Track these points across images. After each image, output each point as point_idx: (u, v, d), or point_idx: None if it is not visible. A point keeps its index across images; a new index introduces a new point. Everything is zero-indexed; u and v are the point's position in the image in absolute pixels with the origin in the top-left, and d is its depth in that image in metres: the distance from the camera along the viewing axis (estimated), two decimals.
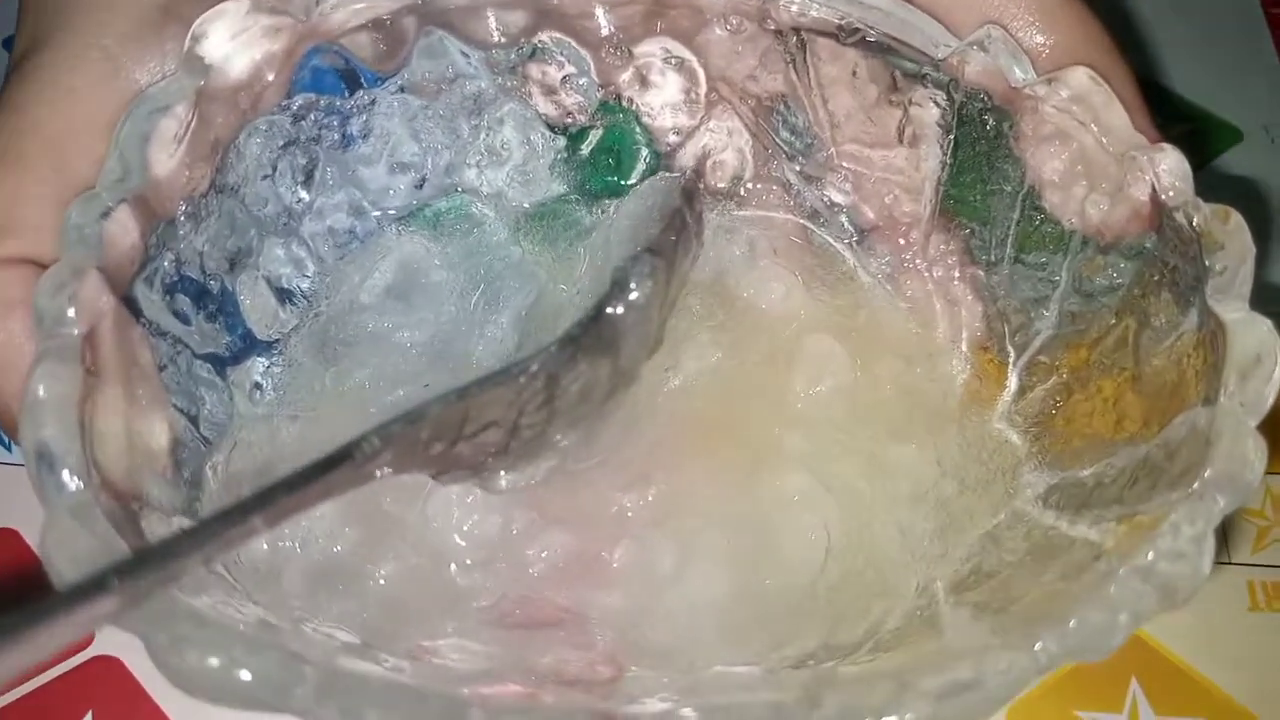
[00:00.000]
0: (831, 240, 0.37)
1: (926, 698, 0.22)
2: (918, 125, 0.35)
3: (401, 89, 0.36)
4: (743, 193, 0.38)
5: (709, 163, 0.38)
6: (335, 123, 0.35)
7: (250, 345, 0.33)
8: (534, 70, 0.36)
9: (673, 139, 0.38)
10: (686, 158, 0.38)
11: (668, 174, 0.38)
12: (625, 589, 0.31)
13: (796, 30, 0.34)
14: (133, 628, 0.22)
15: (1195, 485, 0.24)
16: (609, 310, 0.30)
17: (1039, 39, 0.32)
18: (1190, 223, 0.28)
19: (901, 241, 0.37)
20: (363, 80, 0.35)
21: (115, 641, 0.37)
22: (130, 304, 0.28)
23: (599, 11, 0.35)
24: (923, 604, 0.29)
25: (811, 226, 0.38)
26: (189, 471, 0.29)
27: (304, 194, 0.35)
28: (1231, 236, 0.28)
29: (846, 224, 0.37)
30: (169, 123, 0.29)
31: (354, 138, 0.36)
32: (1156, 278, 0.30)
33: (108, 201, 0.28)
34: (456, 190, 0.38)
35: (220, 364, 0.32)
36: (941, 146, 0.34)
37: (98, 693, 0.36)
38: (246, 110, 0.32)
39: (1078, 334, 0.33)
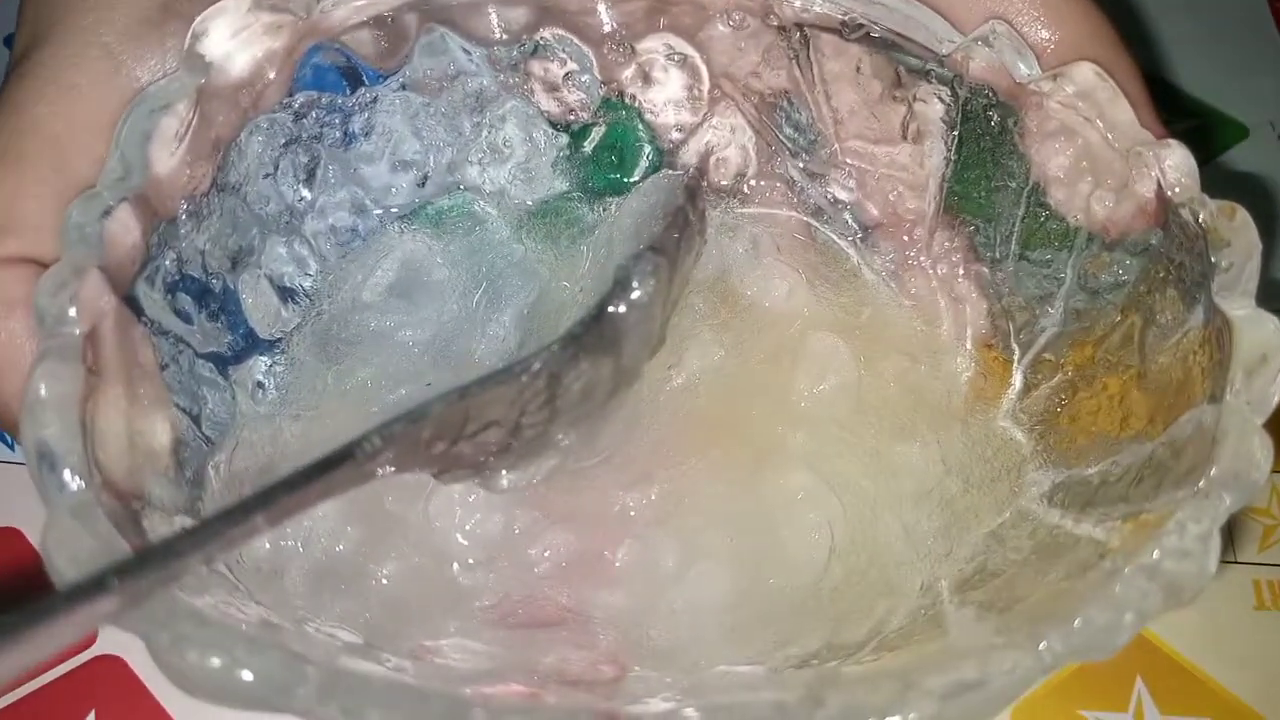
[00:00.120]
0: (835, 237, 0.37)
1: (931, 697, 0.22)
2: (922, 121, 0.34)
3: (403, 86, 0.35)
4: (746, 190, 0.38)
5: (712, 160, 0.38)
6: (337, 120, 0.35)
7: (252, 344, 0.33)
8: (536, 67, 0.36)
9: (675, 136, 0.38)
10: (689, 155, 0.38)
11: (671, 171, 0.38)
12: (628, 588, 0.30)
13: (800, 26, 0.34)
14: (134, 627, 0.22)
15: (1201, 483, 0.24)
16: (611, 309, 0.30)
17: (1044, 34, 0.32)
18: (1196, 219, 0.28)
19: (905, 239, 0.36)
20: (364, 78, 0.35)
21: (118, 641, 0.37)
22: (132, 303, 0.28)
23: (601, 8, 0.35)
24: (927, 603, 0.29)
25: (815, 224, 0.37)
26: (191, 471, 0.29)
27: (306, 192, 0.35)
28: (1237, 233, 0.28)
29: (850, 221, 0.37)
30: (170, 121, 0.29)
31: (356, 135, 0.36)
32: (1162, 274, 0.30)
33: (109, 200, 0.28)
34: (459, 188, 0.38)
35: (222, 363, 0.32)
36: (946, 143, 0.34)
37: (100, 692, 0.36)
38: (248, 108, 0.32)
39: (1083, 331, 0.33)
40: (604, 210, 0.37)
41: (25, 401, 0.24)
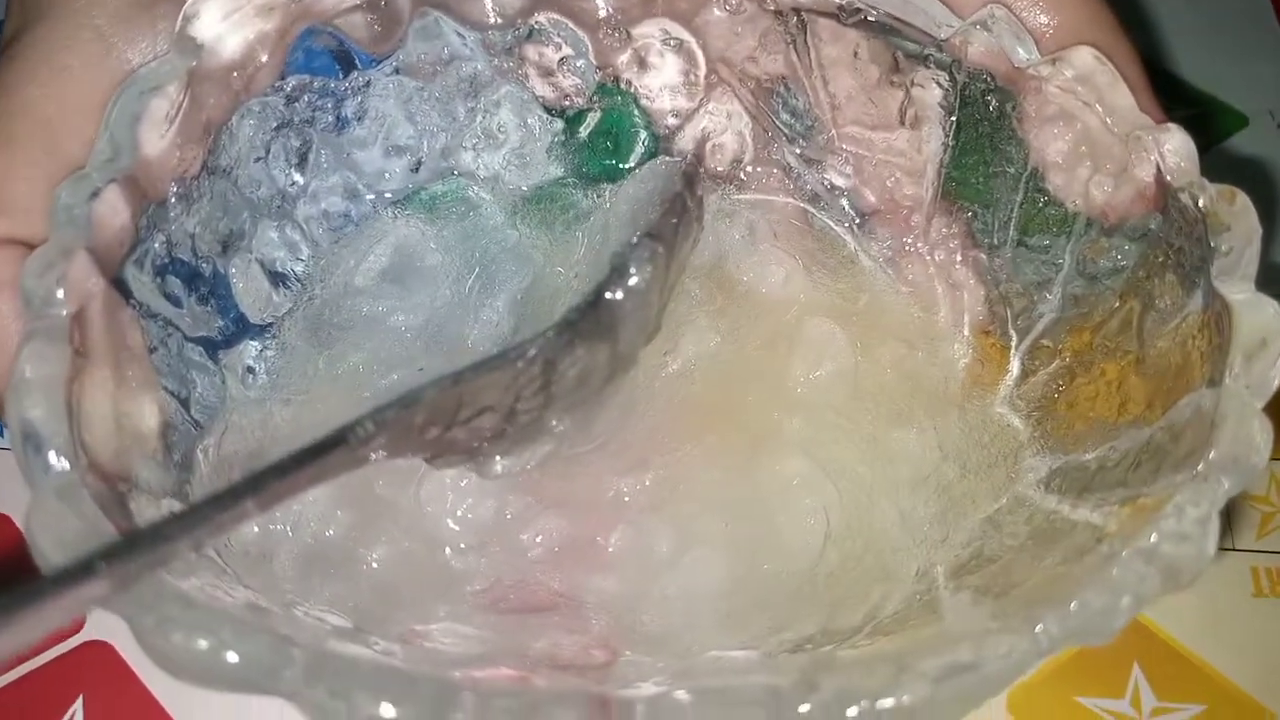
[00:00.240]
0: (832, 224, 0.37)
1: (924, 680, 0.21)
2: (920, 107, 0.34)
3: (396, 70, 0.35)
4: (743, 176, 0.38)
5: (708, 146, 0.38)
6: (329, 105, 0.35)
7: (243, 329, 0.33)
8: (531, 52, 0.36)
9: (671, 122, 0.38)
10: (685, 141, 0.38)
11: (668, 158, 0.37)
12: (621, 574, 0.30)
13: (797, 10, 0.34)
14: (119, 609, 0.22)
15: (1200, 467, 0.24)
16: (608, 295, 0.30)
17: (1042, 19, 0.32)
18: (1196, 203, 0.28)
19: (903, 225, 0.36)
20: (357, 62, 0.34)
21: (106, 626, 0.37)
22: (120, 286, 0.28)
23: None
24: (922, 589, 0.29)
25: (812, 210, 0.37)
26: (179, 454, 0.29)
27: (298, 176, 0.35)
28: (1238, 217, 0.27)
29: (847, 207, 0.37)
30: (160, 103, 0.29)
31: (348, 120, 0.35)
32: (1161, 259, 0.30)
33: (97, 182, 0.27)
34: (453, 173, 0.37)
35: (212, 347, 0.32)
36: (944, 128, 0.34)
37: (89, 677, 0.36)
38: (239, 91, 0.32)
39: (1081, 317, 0.32)
40: (599, 196, 0.37)
41: (11, 382, 0.24)
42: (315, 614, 0.27)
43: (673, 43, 0.36)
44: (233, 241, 0.33)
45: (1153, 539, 0.23)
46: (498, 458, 0.29)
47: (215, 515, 0.23)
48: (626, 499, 0.31)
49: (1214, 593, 0.38)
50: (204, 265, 0.32)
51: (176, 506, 0.27)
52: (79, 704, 0.36)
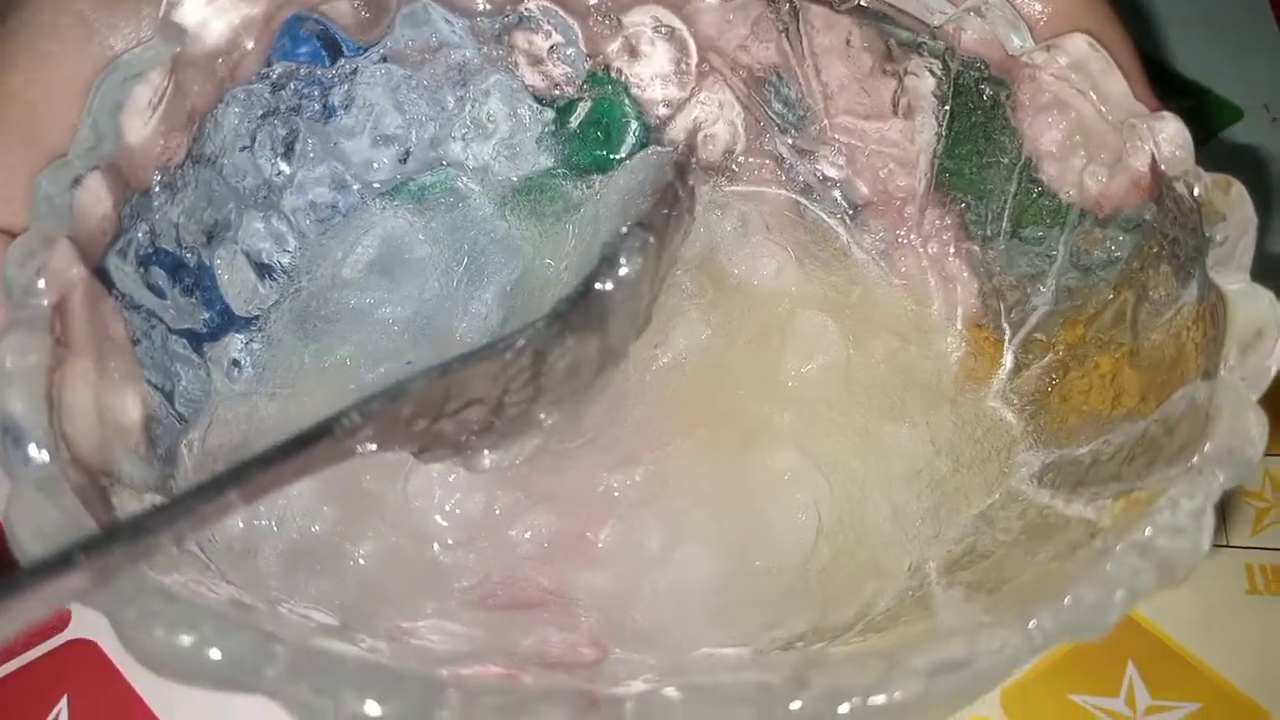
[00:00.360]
0: (824, 216, 0.37)
1: (917, 676, 0.21)
2: (913, 96, 0.34)
3: (384, 58, 0.35)
4: (734, 167, 0.37)
5: (700, 136, 0.37)
6: (316, 93, 0.34)
7: (228, 321, 0.33)
8: (520, 39, 0.36)
9: (662, 111, 0.37)
10: (677, 131, 0.37)
11: (659, 148, 0.37)
12: (611, 570, 0.30)
13: None
14: (100, 604, 0.21)
15: (1195, 460, 0.24)
16: (598, 286, 0.29)
17: (1037, 6, 0.32)
18: (1191, 192, 0.28)
19: (896, 217, 0.36)
20: (344, 49, 0.34)
21: (91, 625, 0.36)
22: (103, 276, 0.28)
23: None
24: (915, 584, 0.29)
25: (804, 201, 0.37)
26: (163, 449, 0.28)
27: (284, 166, 0.34)
28: (1233, 207, 0.27)
29: (840, 199, 0.37)
30: (143, 90, 0.29)
31: (335, 109, 0.35)
32: (1156, 250, 0.29)
33: (79, 170, 0.27)
34: (441, 164, 0.37)
35: (197, 340, 0.31)
36: (937, 118, 0.34)
37: (73, 676, 0.36)
38: (224, 78, 0.31)
39: (1075, 309, 0.32)
40: (589, 187, 0.37)
41: None
42: (301, 611, 0.26)
43: (664, 30, 0.36)
44: (218, 232, 0.32)
45: (1147, 533, 0.23)
46: (486, 451, 0.29)
47: (198, 507, 0.22)
48: (616, 494, 0.31)
49: (1208, 590, 0.37)
50: (188, 256, 0.31)
51: (159, 501, 0.26)
52: (64, 703, 0.35)
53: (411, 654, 0.26)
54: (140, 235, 0.29)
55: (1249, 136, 0.50)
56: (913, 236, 0.36)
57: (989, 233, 0.34)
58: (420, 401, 0.26)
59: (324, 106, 0.35)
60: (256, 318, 0.33)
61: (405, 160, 0.37)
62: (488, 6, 0.35)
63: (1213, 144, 0.50)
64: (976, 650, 0.21)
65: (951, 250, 0.35)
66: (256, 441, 0.30)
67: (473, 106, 0.37)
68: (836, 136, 0.36)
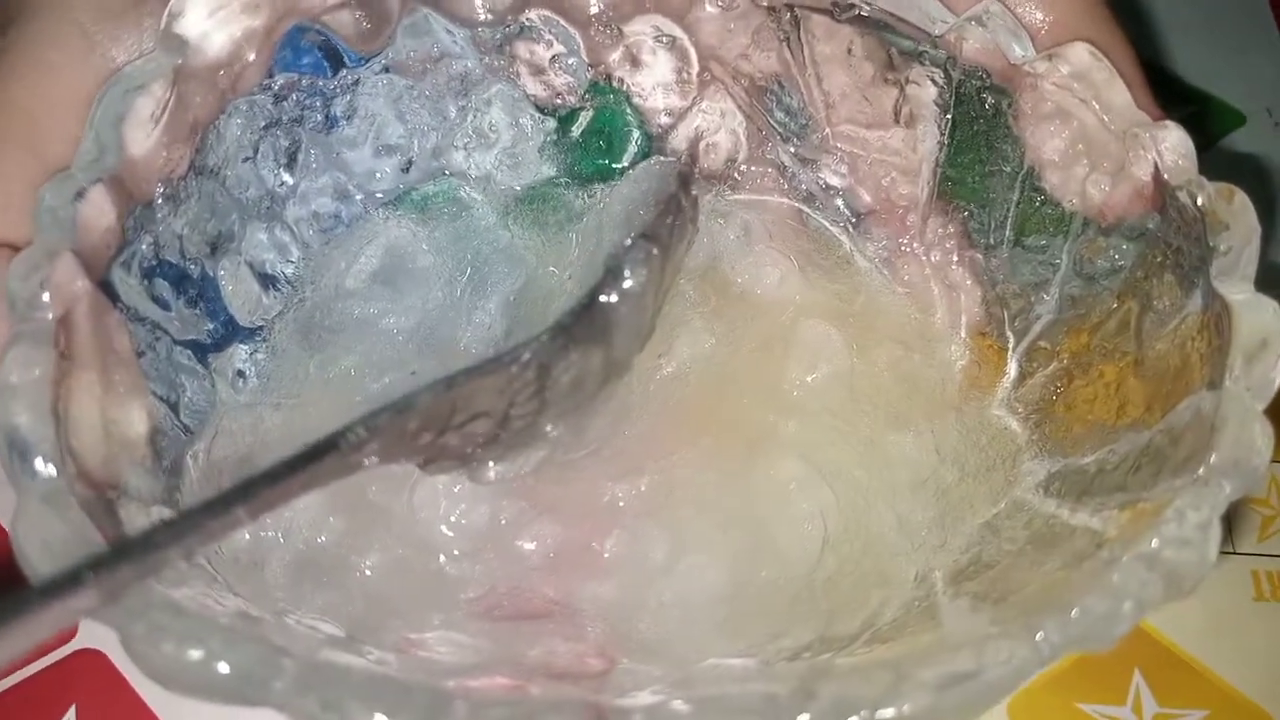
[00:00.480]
0: (827, 224, 0.37)
1: (925, 689, 0.21)
2: (915, 104, 0.34)
3: (386, 69, 0.35)
4: (736, 176, 0.37)
5: (702, 145, 0.37)
6: (318, 103, 0.34)
7: (232, 332, 0.33)
8: (522, 49, 0.36)
9: (664, 120, 0.37)
10: (678, 140, 0.37)
11: (662, 158, 0.37)
12: (617, 580, 0.30)
13: (790, 7, 0.34)
14: (108, 618, 0.21)
15: (1201, 471, 0.24)
16: (602, 298, 0.29)
17: (1038, 15, 0.32)
18: (1194, 202, 0.28)
19: (899, 225, 0.36)
20: (346, 60, 0.34)
21: (99, 635, 0.36)
22: (107, 288, 0.28)
23: None
24: (921, 594, 0.29)
25: (807, 210, 0.37)
26: (169, 460, 0.28)
27: (287, 177, 0.34)
28: (1236, 216, 0.27)
29: (842, 207, 0.37)
30: (146, 102, 0.29)
31: (338, 119, 0.35)
32: (1159, 259, 0.29)
33: (82, 182, 0.27)
34: (444, 173, 0.37)
35: (201, 351, 0.31)
36: (939, 126, 0.34)
37: (81, 686, 0.36)
38: (226, 90, 0.31)
39: (1078, 318, 0.32)
40: (591, 196, 0.37)
41: None
42: (308, 623, 0.26)
43: (665, 40, 0.36)
44: (221, 243, 0.32)
45: (1154, 544, 0.23)
46: (491, 463, 0.29)
47: (207, 523, 0.22)
48: (621, 504, 0.31)
49: (1215, 597, 0.37)
50: (192, 267, 0.31)
51: (166, 513, 0.27)
52: (71, 713, 0.35)
53: (419, 666, 0.26)
54: (144, 247, 0.29)
55: (1251, 141, 0.50)
56: (916, 245, 0.36)
57: (992, 241, 0.34)
58: (426, 415, 0.26)
59: (326, 117, 0.35)
60: (260, 328, 0.33)
61: (408, 170, 0.37)
62: (489, 16, 0.35)
63: (1214, 150, 0.50)
64: (984, 662, 0.22)
65: (955, 258, 0.35)
66: (262, 453, 0.30)
67: (475, 116, 0.37)
68: (839, 145, 0.36)
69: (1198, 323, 0.27)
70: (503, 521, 0.30)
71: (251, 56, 0.31)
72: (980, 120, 0.33)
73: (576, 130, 0.37)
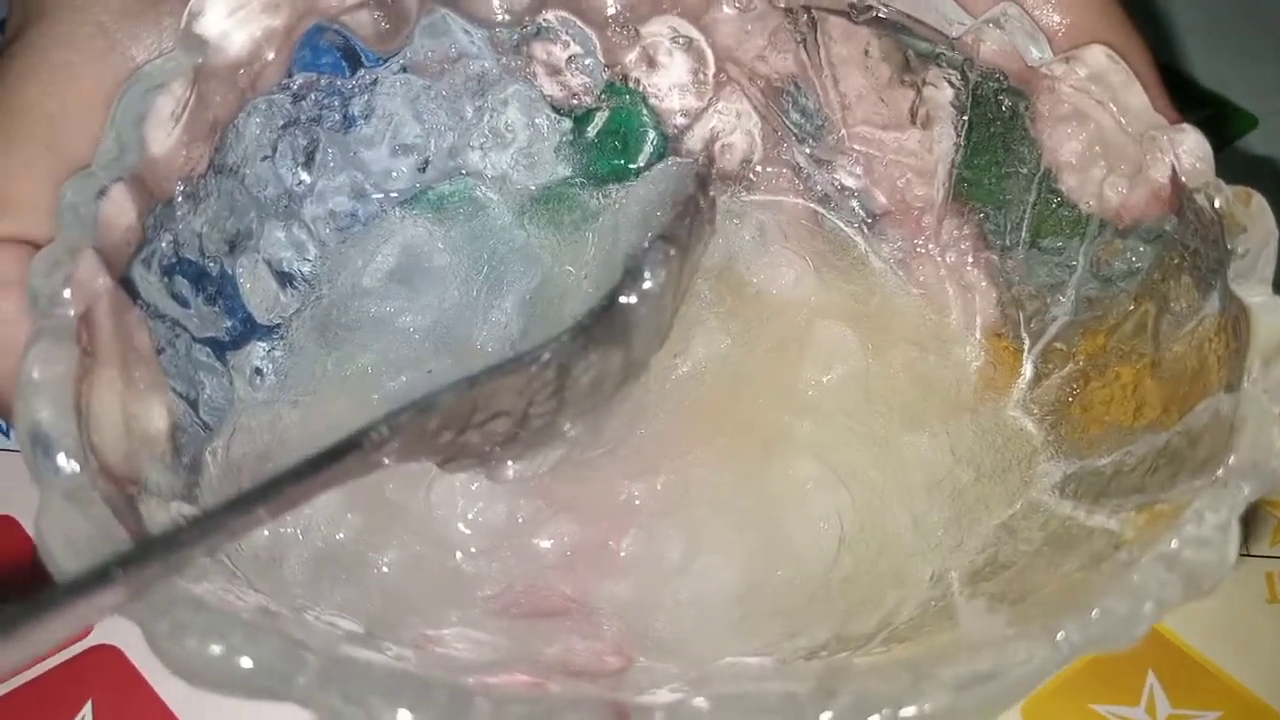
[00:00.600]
0: (843, 225, 0.37)
1: (945, 688, 0.21)
2: (931, 106, 0.34)
3: (404, 68, 0.35)
4: (752, 176, 0.38)
5: (717, 145, 0.37)
6: (336, 103, 0.34)
7: (250, 329, 0.33)
8: (539, 50, 0.36)
9: (680, 121, 0.37)
10: (694, 140, 0.37)
11: (679, 159, 0.37)
12: (633, 579, 0.30)
13: (807, 8, 0.34)
14: (132, 615, 0.21)
15: (1219, 472, 0.24)
16: (622, 300, 0.30)
17: (1055, 17, 0.32)
18: (1212, 204, 0.28)
19: (914, 226, 0.36)
20: (364, 60, 0.34)
21: (115, 631, 0.36)
22: (127, 285, 0.28)
23: None
24: (937, 595, 0.29)
25: (822, 211, 0.37)
26: (188, 457, 0.28)
27: (305, 176, 0.34)
28: (1254, 218, 0.27)
29: (858, 208, 0.37)
30: (166, 101, 0.29)
31: (355, 118, 0.35)
32: (1177, 261, 0.30)
33: (103, 180, 0.27)
34: (460, 173, 0.37)
35: (220, 348, 0.32)
36: (955, 128, 0.34)
37: (97, 682, 0.36)
38: (245, 89, 0.31)
39: (1095, 320, 0.32)
40: (606, 197, 0.37)
41: (18, 384, 0.24)
42: (326, 619, 0.26)
43: (682, 41, 0.36)
44: (240, 241, 0.32)
45: (1173, 545, 0.23)
46: (510, 462, 0.29)
47: (232, 520, 0.22)
48: (638, 503, 0.31)
49: (1229, 599, 0.37)
50: (211, 265, 0.31)
51: (185, 509, 0.27)
52: (88, 708, 0.35)
53: (437, 662, 0.26)
54: (164, 245, 0.29)
55: (1266, 144, 0.50)
56: (931, 246, 0.36)
57: (1008, 242, 0.34)
58: (448, 414, 0.26)
59: (344, 116, 0.35)
60: (278, 326, 0.34)
61: (424, 169, 0.37)
62: (506, 17, 0.35)
63: (1228, 153, 0.50)
64: (1004, 662, 0.22)
65: (970, 260, 0.35)
66: (280, 450, 0.31)
67: (491, 116, 0.37)
68: (854, 146, 0.36)
69: (1215, 325, 0.27)
70: (520, 520, 0.30)
71: (271, 56, 0.31)
72: (997, 122, 0.33)
73: (592, 130, 0.37)
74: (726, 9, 0.35)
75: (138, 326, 0.28)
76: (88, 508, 0.23)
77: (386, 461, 0.25)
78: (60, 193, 0.27)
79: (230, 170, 0.32)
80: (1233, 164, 0.48)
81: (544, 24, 0.35)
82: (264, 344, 0.33)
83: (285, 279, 0.34)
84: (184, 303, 0.30)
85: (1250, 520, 0.39)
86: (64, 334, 0.24)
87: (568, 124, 0.37)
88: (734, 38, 0.35)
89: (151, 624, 0.21)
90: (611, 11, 0.35)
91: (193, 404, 0.30)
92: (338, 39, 0.33)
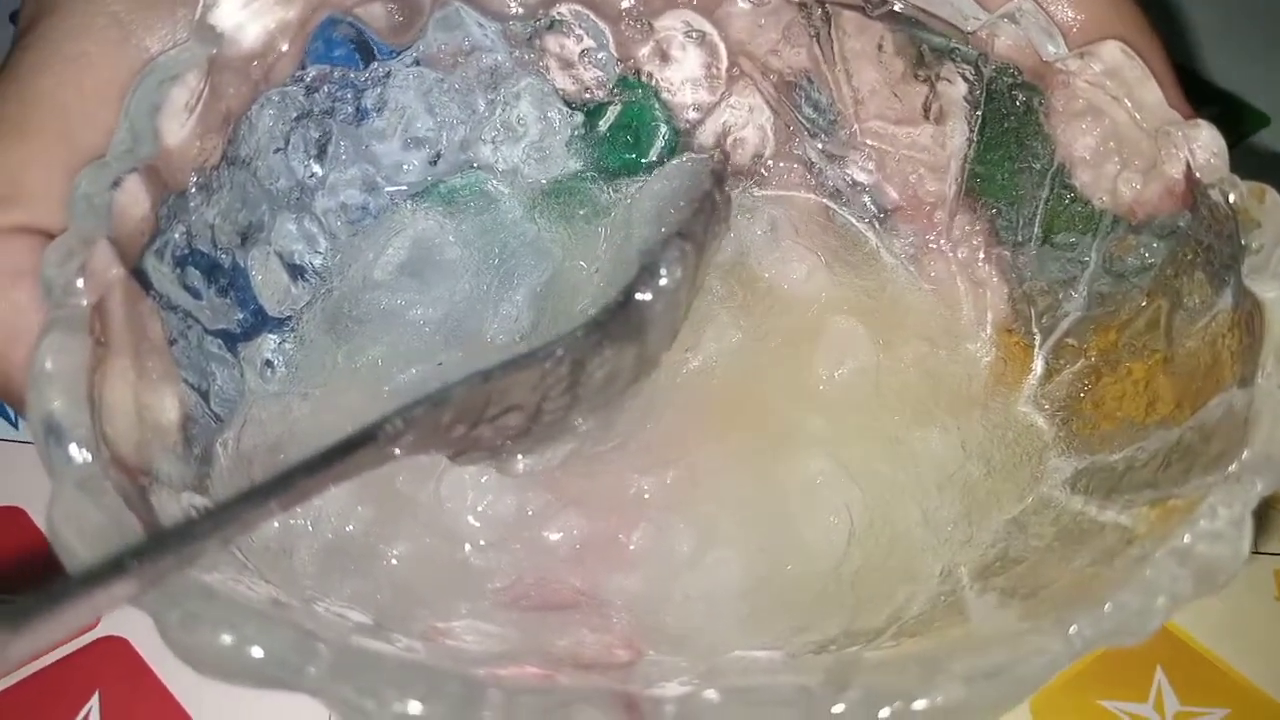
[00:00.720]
0: (854, 220, 0.37)
1: (957, 681, 0.21)
2: (945, 101, 0.34)
3: (417, 61, 0.35)
4: (764, 171, 0.37)
5: (729, 140, 0.37)
6: (349, 95, 0.34)
7: (262, 321, 0.33)
8: (552, 43, 0.36)
9: (692, 116, 0.37)
10: (706, 135, 0.37)
11: (694, 155, 0.37)
12: (642, 572, 0.30)
13: (821, 3, 0.34)
14: (143, 605, 0.21)
15: (1233, 468, 0.24)
16: (638, 296, 0.30)
17: (1069, 13, 0.32)
18: (1226, 200, 0.28)
19: (926, 222, 0.36)
20: (377, 53, 0.34)
21: (123, 622, 0.36)
22: (140, 276, 0.28)
23: None
24: (947, 589, 0.29)
25: (834, 206, 0.37)
26: (200, 447, 0.28)
27: (317, 168, 0.34)
28: (1268, 214, 0.27)
29: (870, 204, 0.37)
30: (180, 92, 0.29)
31: (368, 111, 0.35)
32: (1190, 257, 0.29)
33: (117, 171, 0.27)
34: (472, 166, 0.37)
35: (231, 340, 0.32)
36: (969, 123, 0.34)
37: (105, 673, 0.36)
38: (259, 81, 0.31)
39: (1107, 315, 0.32)
40: (618, 191, 0.37)
41: (31, 373, 0.24)
42: (336, 610, 0.26)
43: (695, 35, 0.36)
44: (252, 233, 0.33)
45: (1186, 539, 0.23)
46: (521, 455, 0.29)
47: (245, 513, 0.22)
48: (647, 497, 0.31)
49: (1237, 596, 0.37)
50: (223, 257, 0.31)
51: (196, 500, 0.27)
52: (95, 699, 0.35)
53: (447, 654, 0.26)
54: (177, 236, 0.29)
55: (1278, 141, 0.50)
56: (942, 241, 0.36)
57: (1020, 238, 0.34)
58: (462, 408, 0.26)
59: (356, 109, 0.35)
60: (289, 318, 0.34)
61: (436, 163, 0.37)
62: (520, 10, 0.35)
63: (1240, 150, 0.50)
64: (1016, 656, 0.22)
65: (982, 255, 0.35)
66: (290, 442, 0.31)
67: (503, 110, 0.37)
68: (867, 141, 0.36)
69: (1229, 320, 0.27)
70: (529, 513, 0.30)
71: (284, 48, 0.31)
72: (1011, 117, 0.33)
73: (604, 125, 0.37)
74: (740, 3, 0.35)
75: (150, 317, 0.28)
76: (100, 497, 0.23)
77: (398, 454, 0.25)
78: (74, 183, 0.27)
79: (243, 162, 0.32)
80: (1245, 161, 0.48)
81: (557, 17, 0.35)
82: (275, 336, 0.33)
83: (296, 271, 0.34)
84: (196, 294, 0.30)
85: (1260, 518, 0.38)
86: (77, 324, 0.24)
87: (580, 118, 0.37)
88: (747, 32, 0.35)
89: (163, 614, 0.21)
90: (625, 5, 0.35)
91: (204, 395, 0.30)
92: (351, 31, 0.33)
